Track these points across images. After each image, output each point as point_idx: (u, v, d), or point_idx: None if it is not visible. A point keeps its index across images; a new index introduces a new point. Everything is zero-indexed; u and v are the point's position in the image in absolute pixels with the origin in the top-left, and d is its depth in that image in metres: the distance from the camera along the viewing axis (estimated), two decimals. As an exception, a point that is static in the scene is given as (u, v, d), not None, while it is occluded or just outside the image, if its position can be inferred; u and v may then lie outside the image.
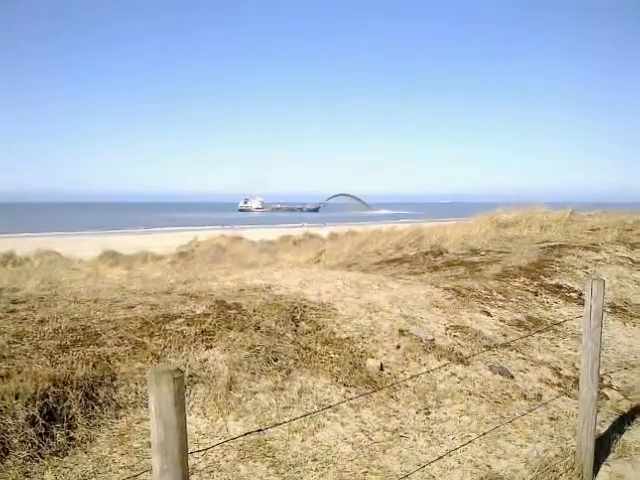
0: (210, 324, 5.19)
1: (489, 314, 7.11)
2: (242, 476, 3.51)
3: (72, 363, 4.17)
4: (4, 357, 4.19)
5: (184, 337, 4.87)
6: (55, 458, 3.43)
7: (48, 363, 4.14)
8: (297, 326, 5.58)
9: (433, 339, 5.87)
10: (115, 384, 4.13)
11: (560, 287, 9.00)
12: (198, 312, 5.49)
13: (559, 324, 7.20)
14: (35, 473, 3.28)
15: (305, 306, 6.07)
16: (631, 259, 11.44)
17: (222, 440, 3.77)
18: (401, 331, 5.87)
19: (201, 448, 3.63)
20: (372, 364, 5.13)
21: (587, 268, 10.28)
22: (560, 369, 5.86)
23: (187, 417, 2.02)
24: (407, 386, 4.93)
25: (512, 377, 5.44)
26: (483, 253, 11.62)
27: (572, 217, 16.49)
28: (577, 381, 4.53)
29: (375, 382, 4.91)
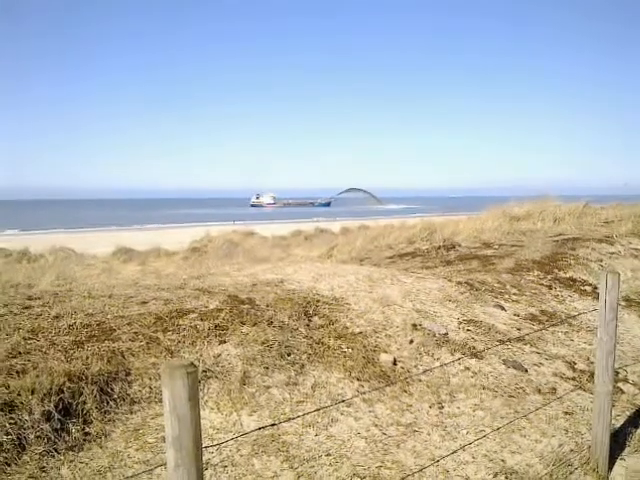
0: (223, 319, 5.20)
1: (503, 308, 7.07)
2: (256, 470, 3.52)
3: (87, 358, 4.20)
4: (20, 353, 4.23)
5: (197, 332, 4.89)
6: (71, 453, 3.46)
7: (63, 359, 4.17)
8: (310, 321, 5.58)
9: (446, 333, 5.85)
10: (129, 379, 4.15)
11: (574, 280, 8.94)
12: (211, 307, 5.50)
13: (573, 318, 7.15)
14: (51, 468, 3.31)
15: (318, 300, 6.07)
16: (646, 252, 11.34)
17: (236, 435, 3.78)
18: (414, 325, 5.86)
19: (215, 443, 3.64)
20: (385, 358, 5.12)
21: (601, 261, 10.21)
22: (575, 363, 5.82)
23: (201, 412, 2.02)
24: (420, 380, 4.92)
25: (526, 371, 5.41)
26: (496, 247, 11.56)
27: (585, 210, 16.36)
28: (592, 375, 4.50)
29: (388, 376, 4.90)
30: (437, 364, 5.23)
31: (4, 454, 3.26)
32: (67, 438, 3.54)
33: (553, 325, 6.80)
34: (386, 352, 5.25)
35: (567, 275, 9.10)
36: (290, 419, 3.99)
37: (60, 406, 3.66)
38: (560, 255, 10.13)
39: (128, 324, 4.95)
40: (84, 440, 3.58)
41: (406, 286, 7.13)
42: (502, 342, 5.90)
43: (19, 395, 3.61)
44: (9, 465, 3.23)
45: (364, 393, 4.55)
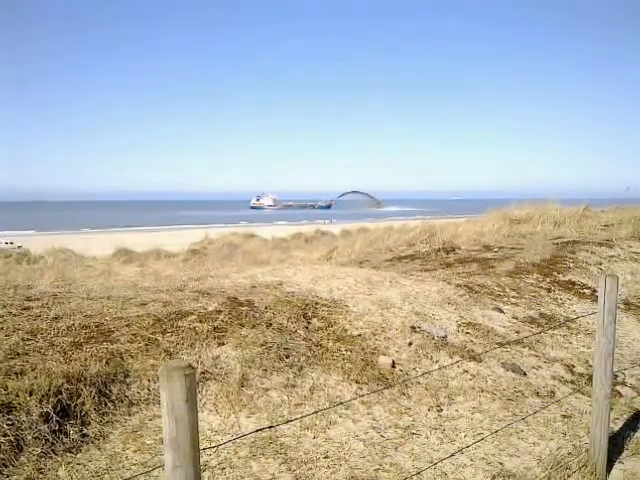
0: (222, 321, 5.20)
1: (502, 311, 7.07)
2: (254, 473, 3.52)
3: (85, 360, 4.20)
4: (18, 354, 4.23)
5: (196, 334, 4.89)
6: (69, 454, 3.46)
7: (62, 360, 4.17)
8: (309, 323, 5.59)
9: (445, 336, 5.85)
10: (128, 381, 4.15)
11: (573, 283, 8.94)
12: (210, 309, 5.51)
13: (572, 321, 7.15)
14: (49, 470, 3.31)
15: (317, 303, 6.07)
16: (645, 255, 11.33)
17: (234, 437, 3.78)
18: (413, 328, 5.86)
19: (213, 445, 3.64)
20: (384, 361, 5.12)
21: (601, 264, 10.20)
22: (573, 366, 5.82)
23: (199, 414, 2.02)
24: (419, 383, 4.92)
25: (525, 374, 5.41)
26: (496, 249, 11.56)
27: (586, 213, 16.34)
28: (590, 378, 4.50)
29: (387, 379, 4.90)
30: (436, 367, 5.23)
31: (1, 455, 3.26)
32: (65, 439, 3.54)
33: (552, 328, 6.80)
34: (385, 355, 5.26)
35: (566, 278, 9.10)
36: (288, 421, 3.99)
37: (58, 407, 3.66)
38: (560, 258, 10.13)
39: (127, 326, 4.95)
40: (82, 442, 3.59)
41: (405, 288, 7.13)
42: (501, 345, 5.90)
43: (17, 396, 3.61)
44: (6, 466, 3.23)
45: (362, 396, 4.55)
